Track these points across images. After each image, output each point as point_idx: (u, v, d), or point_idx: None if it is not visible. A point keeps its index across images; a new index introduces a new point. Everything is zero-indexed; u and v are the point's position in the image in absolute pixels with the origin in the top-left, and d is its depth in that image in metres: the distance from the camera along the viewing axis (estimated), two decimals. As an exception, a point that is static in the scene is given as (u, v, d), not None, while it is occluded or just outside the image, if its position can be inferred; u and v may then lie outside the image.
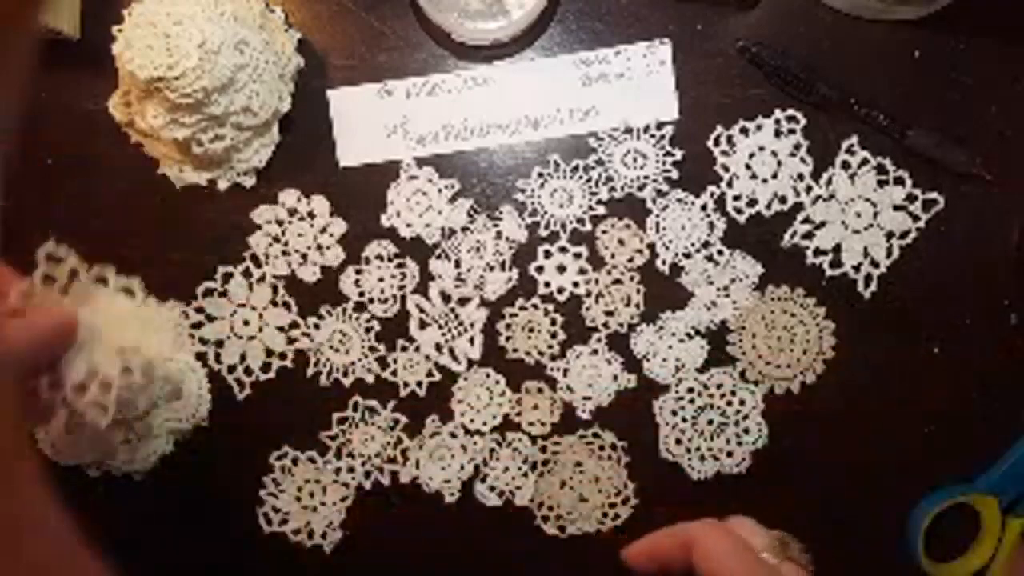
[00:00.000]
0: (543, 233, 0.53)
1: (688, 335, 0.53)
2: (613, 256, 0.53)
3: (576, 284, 0.53)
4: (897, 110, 0.51)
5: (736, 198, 0.52)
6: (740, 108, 0.52)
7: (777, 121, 0.52)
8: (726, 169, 0.52)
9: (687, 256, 0.52)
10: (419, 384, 0.53)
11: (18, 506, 0.24)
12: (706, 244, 0.52)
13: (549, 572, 0.54)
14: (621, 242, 0.53)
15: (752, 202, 0.52)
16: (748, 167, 0.52)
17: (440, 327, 0.53)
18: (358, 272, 0.53)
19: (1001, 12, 0.52)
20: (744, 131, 0.52)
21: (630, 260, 0.53)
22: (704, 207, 0.52)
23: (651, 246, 0.53)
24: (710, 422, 0.53)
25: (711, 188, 0.52)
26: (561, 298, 0.53)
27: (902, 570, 0.53)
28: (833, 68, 0.52)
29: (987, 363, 0.53)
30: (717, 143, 0.52)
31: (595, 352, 0.53)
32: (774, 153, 0.52)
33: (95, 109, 0.52)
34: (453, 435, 0.53)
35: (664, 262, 0.52)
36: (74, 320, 0.44)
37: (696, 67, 0.52)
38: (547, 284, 0.53)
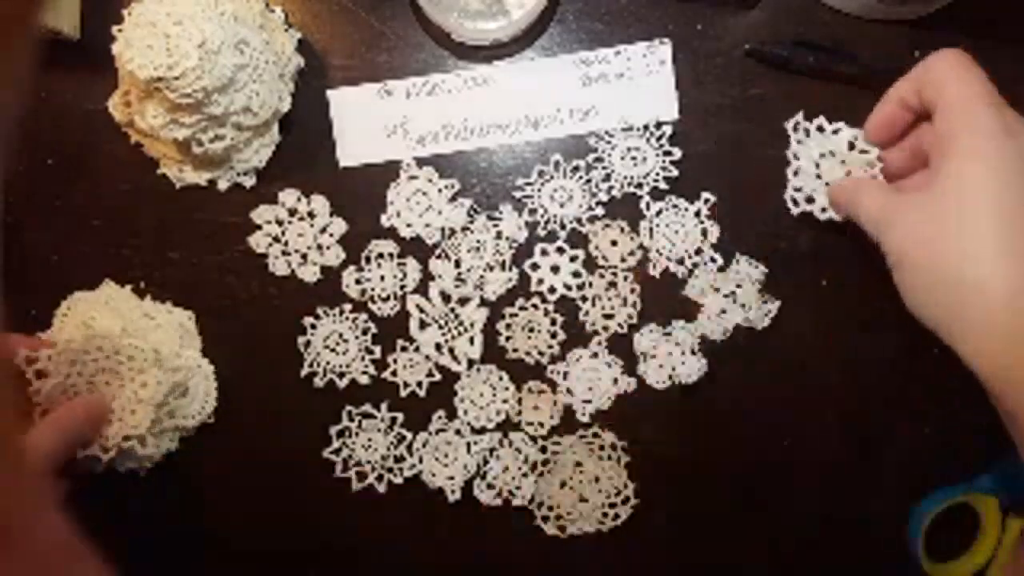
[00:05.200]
0: (542, 233, 0.53)
1: (693, 350, 0.52)
2: (606, 259, 0.52)
3: (574, 286, 0.53)
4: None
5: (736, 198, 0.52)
6: (740, 108, 0.52)
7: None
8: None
9: (688, 256, 0.52)
10: (419, 384, 0.53)
11: (16, 503, 0.24)
12: (706, 238, 0.52)
13: (549, 572, 0.54)
14: (614, 243, 0.52)
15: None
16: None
17: (440, 327, 0.53)
18: (358, 272, 0.53)
19: (1001, 12, 0.52)
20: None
21: (622, 260, 0.52)
22: (704, 203, 0.52)
23: (646, 248, 0.52)
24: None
25: (710, 188, 0.52)
26: (561, 298, 0.53)
27: (902, 570, 0.53)
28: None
29: (987, 363, 0.53)
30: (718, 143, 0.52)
31: (595, 355, 0.53)
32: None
33: (95, 109, 0.52)
34: (458, 432, 0.53)
35: (665, 260, 0.52)
36: (101, 405, 0.46)
37: (696, 67, 0.52)
38: (548, 286, 0.53)
